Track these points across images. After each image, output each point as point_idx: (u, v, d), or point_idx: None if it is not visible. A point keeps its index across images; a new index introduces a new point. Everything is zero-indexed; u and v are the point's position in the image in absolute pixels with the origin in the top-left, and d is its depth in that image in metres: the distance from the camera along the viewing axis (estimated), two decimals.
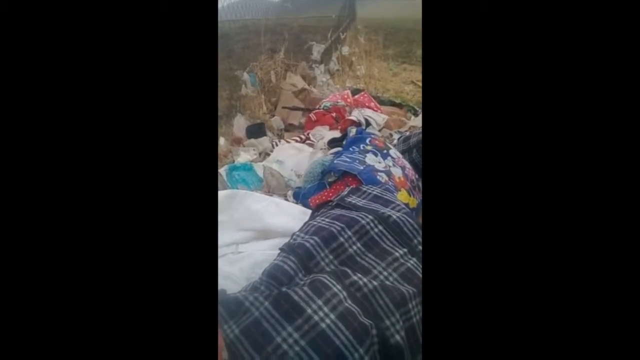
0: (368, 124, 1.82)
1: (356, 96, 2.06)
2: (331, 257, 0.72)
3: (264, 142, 1.62)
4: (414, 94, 2.53)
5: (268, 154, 1.57)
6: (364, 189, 0.92)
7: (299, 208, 0.99)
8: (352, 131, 1.27)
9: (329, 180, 1.09)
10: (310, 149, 1.40)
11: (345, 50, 2.89)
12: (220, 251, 0.87)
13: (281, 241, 0.82)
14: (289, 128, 1.93)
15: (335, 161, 1.12)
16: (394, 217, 0.79)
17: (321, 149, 1.45)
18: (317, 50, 2.63)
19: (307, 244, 0.72)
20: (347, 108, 1.93)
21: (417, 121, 1.97)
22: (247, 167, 1.40)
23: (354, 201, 0.87)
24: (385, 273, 0.71)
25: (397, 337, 0.62)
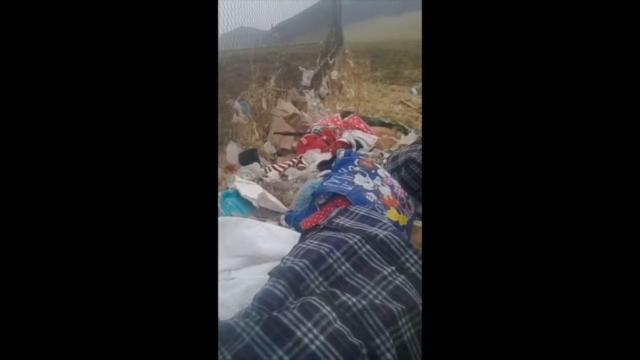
0: (359, 145, 1.86)
1: (346, 118, 2.11)
2: (321, 279, 0.73)
3: (256, 167, 1.65)
4: (403, 113, 2.59)
5: (261, 179, 1.60)
6: (352, 209, 0.94)
7: (290, 232, 1.00)
8: (341, 153, 1.30)
9: (319, 202, 1.11)
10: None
11: (335, 74, 2.97)
12: None
13: (273, 266, 0.83)
14: (282, 152, 1.96)
15: (324, 183, 1.14)
16: (381, 235, 0.80)
17: (312, 171, 1.48)
18: (307, 76, 2.70)
19: (297, 267, 0.73)
20: (337, 130, 1.97)
21: (406, 140, 2.01)
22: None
23: (342, 222, 0.89)
24: (374, 292, 0.72)
25: (388, 355, 0.63)
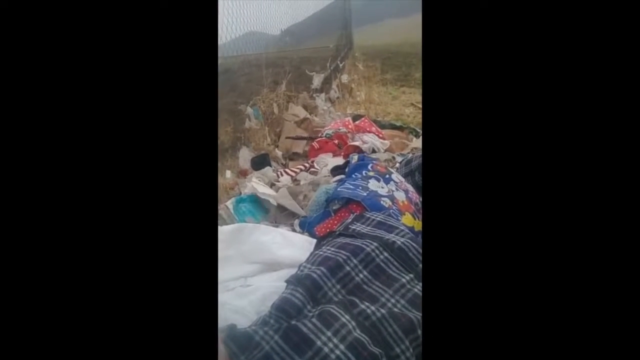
0: (372, 149, 1.85)
1: (357, 122, 2.11)
2: (338, 286, 0.73)
3: (268, 172, 1.66)
4: (414, 116, 2.58)
5: (274, 184, 1.60)
6: (368, 215, 0.94)
7: (305, 238, 1.00)
8: (354, 158, 1.30)
9: (334, 208, 1.11)
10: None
11: (345, 78, 2.97)
12: (229, 285, 0.88)
13: (289, 272, 0.83)
14: (293, 157, 1.97)
15: (338, 189, 1.14)
16: (399, 242, 0.80)
17: (325, 176, 1.47)
18: (318, 79, 2.71)
19: (314, 275, 0.73)
20: (349, 134, 1.97)
21: (418, 143, 1.99)
22: (253, 199, 1.42)
23: (358, 228, 0.89)
24: (392, 300, 0.71)
25: None
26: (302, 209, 1.28)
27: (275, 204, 1.30)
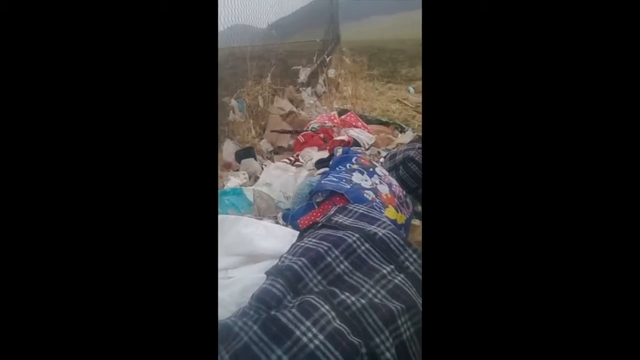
0: (357, 143, 1.85)
1: (343, 116, 2.10)
2: (319, 277, 0.73)
3: (253, 165, 1.64)
4: (400, 112, 2.59)
5: (258, 177, 1.59)
6: (350, 207, 0.94)
7: (288, 230, 0.99)
8: (339, 151, 1.30)
9: (317, 200, 1.10)
10: (294, 169, 1.42)
11: (332, 72, 2.96)
12: None
13: (271, 264, 0.83)
14: (278, 151, 1.95)
15: (322, 181, 1.13)
16: (380, 234, 0.80)
17: (309, 169, 1.47)
18: (304, 73, 2.69)
19: (295, 266, 0.73)
20: (334, 129, 1.97)
21: (403, 138, 2.00)
22: (237, 192, 1.41)
23: (340, 220, 0.88)
24: (373, 291, 0.71)
25: (388, 354, 0.62)
26: (286, 202, 1.27)
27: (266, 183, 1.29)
